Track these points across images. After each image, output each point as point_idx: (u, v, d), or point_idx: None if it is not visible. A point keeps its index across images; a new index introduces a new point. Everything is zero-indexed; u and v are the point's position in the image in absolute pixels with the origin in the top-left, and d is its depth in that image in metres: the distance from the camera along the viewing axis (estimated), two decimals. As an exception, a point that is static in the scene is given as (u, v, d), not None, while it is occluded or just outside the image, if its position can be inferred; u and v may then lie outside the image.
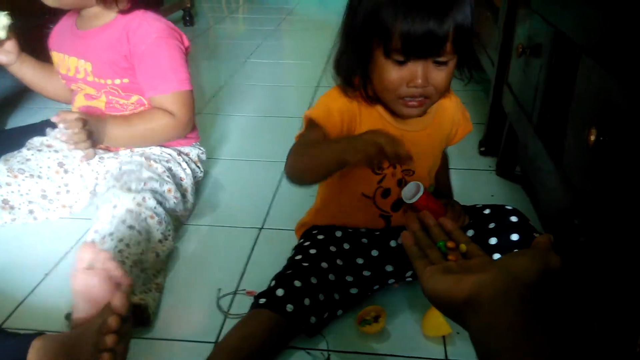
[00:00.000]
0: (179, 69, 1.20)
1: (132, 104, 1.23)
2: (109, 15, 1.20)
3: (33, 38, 1.38)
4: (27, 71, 1.31)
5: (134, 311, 0.87)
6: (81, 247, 0.78)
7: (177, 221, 1.19)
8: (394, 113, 0.90)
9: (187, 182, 1.25)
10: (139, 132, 1.19)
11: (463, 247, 0.61)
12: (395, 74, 0.82)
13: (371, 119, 0.91)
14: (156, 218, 1.07)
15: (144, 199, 1.06)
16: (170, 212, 1.14)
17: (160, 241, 1.06)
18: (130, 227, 1.00)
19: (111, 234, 0.98)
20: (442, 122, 0.97)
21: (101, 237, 0.99)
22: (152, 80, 1.19)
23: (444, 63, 0.81)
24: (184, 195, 1.22)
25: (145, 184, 1.11)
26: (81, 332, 0.76)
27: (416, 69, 0.81)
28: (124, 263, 0.93)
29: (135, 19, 1.19)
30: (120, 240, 0.97)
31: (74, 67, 1.22)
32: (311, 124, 0.89)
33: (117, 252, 0.95)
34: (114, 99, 1.23)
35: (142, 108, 1.24)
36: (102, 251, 0.79)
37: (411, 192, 0.89)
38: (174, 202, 1.16)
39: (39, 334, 0.77)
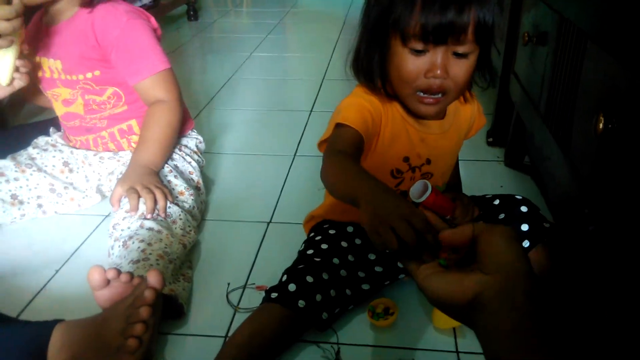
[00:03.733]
0: (156, 49, 1.19)
1: (108, 98, 1.22)
2: (73, 9, 1.17)
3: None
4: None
5: (165, 302, 0.88)
6: (90, 271, 0.81)
7: (197, 216, 1.19)
8: (414, 114, 0.88)
9: (197, 175, 1.25)
10: (158, 138, 1.17)
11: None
12: (413, 64, 0.79)
13: (394, 120, 0.88)
14: (171, 217, 1.07)
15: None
16: (188, 211, 1.14)
17: (183, 235, 1.06)
18: (150, 229, 1.01)
19: (131, 237, 0.99)
20: (461, 123, 0.95)
21: (123, 242, 0.99)
22: (133, 64, 1.17)
23: (465, 55, 0.78)
24: (197, 189, 1.22)
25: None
26: (106, 317, 0.77)
27: (435, 59, 0.78)
28: (148, 259, 0.94)
29: (99, 7, 1.16)
30: (142, 241, 0.98)
31: (48, 68, 1.20)
32: (338, 126, 0.83)
33: (140, 252, 0.95)
34: (90, 98, 1.21)
35: (121, 103, 1.23)
36: (110, 270, 0.81)
37: (419, 191, 0.84)
38: (192, 200, 1.16)
39: (60, 320, 0.78)
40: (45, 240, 1.17)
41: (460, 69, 0.79)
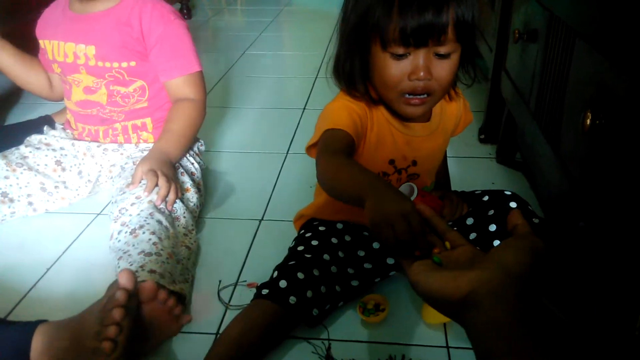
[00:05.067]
0: (193, 50, 1.24)
1: (134, 91, 1.23)
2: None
3: (20, 35, 1.37)
4: (6, 58, 1.28)
5: (176, 299, 0.89)
6: (121, 274, 0.77)
7: (196, 216, 1.19)
8: (399, 117, 0.87)
9: (198, 175, 1.26)
10: (183, 132, 1.20)
11: (447, 244, 0.60)
12: (396, 69, 0.78)
13: (379, 123, 0.88)
14: (175, 213, 1.08)
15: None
16: (192, 210, 1.15)
17: (185, 235, 1.06)
18: (159, 222, 1.01)
19: (141, 227, 0.99)
20: (447, 122, 0.95)
21: (132, 230, 0.99)
22: (171, 61, 1.21)
23: (446, 56, 0.78)
24: (198, 189, 1.23)
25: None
26: (83, 318, 0.77)
27: (417, 61, 0.77)
28: (160, 255, 0.94)
29: (146, 1, 1.20)
30: (153, 233, 0.98)
31: (72, 53, 1.21)
32: (327, 131, 0.83)
33: (152, 245, 0.95)
34: (115, 89, 1.22)
35: (143, 98, 1.24)
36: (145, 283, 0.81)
37: (405, 193, 0.86)
38: (196, 199, 1.17)
39: (42, 321, 0.78)
40: (36, 239, 1.16)
41: (444, 69, 0.78)
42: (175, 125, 1.20)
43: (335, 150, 0.79)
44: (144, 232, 0.98)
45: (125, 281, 0.75)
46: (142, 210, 1.02)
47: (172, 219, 1.06)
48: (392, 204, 0.60)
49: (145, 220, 1.00)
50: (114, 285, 0.78)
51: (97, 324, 0.73)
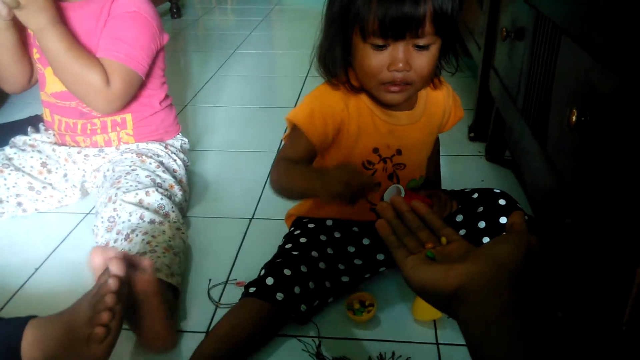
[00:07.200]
0: (138, 49, 1.14)
1: None
2: None
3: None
4: (6, 40, 1.16)
5: (172, 291, 0.91)
6: (92, 252, 0.79)
7: (181, 212, 1.19)
8: (381, 105, 0.88)
9: (181, 172, 1.25)
10: (70, 65, 1.08)
11: (444, 239, 0.60)
12: (375, 59, 0.80)
13: (360, 113, 0.89)
14: (164, 210, 1.08)
15: (147, 193, 1.07)
16: (178, 204, 1.15)
17: (178, 229, 1.06)
18: (151, 222, 1.01)
19: (133, 230, 0.99)
20: (432, 113, 0.95)
21: (126, 236, 0.99)
22: (109, 43, 1.12)
23: (426, 47, 0.79)
24: (181, 186, 1.22)
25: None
26: (75, 308, 0.77)
27: (396, 53, 0.79)
28: (155, 251, 0.94)
29: None
30: (146, 233, 0.98)
31: None
32: (294, 128, 0.89)
33: (145, 244, 0.95)
34: None
35: None
36: (114, 249, 0.81)
37: (392, 195, 0.83)
38: (181, 195, 1.17)
39: (33, 316, 0.77)
40: (25, 239, 1.16)
41: (422, 60, 0.80)
42: (81, 57, 1.08)
43: (290, 160, 0.88)
44: (137, 235, 0.98)
45: (116, 269, 0.75)
46: (130, 213, 1.02)
47: (163, 215, 1.06)
48: (332, 178, 0.74)
49: (137, 224, 1.01)
50: (105, 273, 0.78)
51: (89, 310, 0.73)
